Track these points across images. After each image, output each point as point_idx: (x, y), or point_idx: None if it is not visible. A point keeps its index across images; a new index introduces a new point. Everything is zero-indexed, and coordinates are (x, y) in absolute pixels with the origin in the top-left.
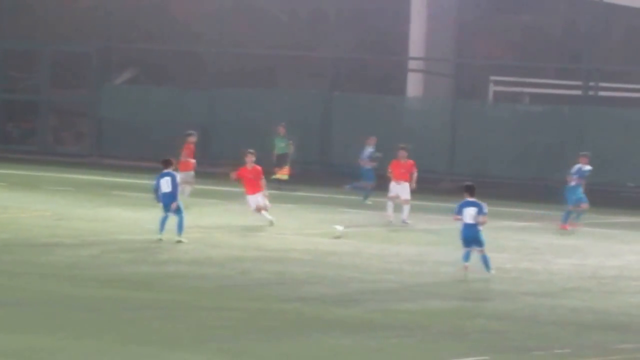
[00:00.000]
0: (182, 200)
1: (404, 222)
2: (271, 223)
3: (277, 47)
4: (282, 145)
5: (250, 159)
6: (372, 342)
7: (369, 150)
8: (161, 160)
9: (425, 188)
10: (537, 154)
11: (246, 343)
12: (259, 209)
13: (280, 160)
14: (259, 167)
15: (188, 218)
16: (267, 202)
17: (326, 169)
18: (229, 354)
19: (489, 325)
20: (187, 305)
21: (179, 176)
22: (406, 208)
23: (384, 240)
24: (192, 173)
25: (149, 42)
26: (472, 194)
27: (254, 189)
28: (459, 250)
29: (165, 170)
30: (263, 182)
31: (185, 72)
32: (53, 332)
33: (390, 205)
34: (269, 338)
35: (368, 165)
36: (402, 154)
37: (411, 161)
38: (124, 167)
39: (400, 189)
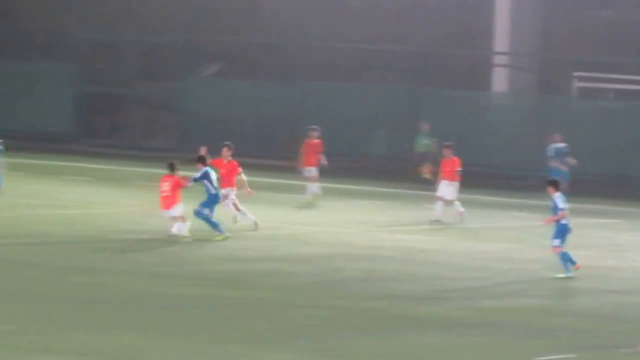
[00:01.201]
0: (308, 198)
1: (459, 215)
2: (233, 221)
3: (364, 40)
4: (424, 142)
5: (226, 152)
6: (460, 340)
7: (556, 147)
8: (197, 157)
9: (510, 185)
10: (621, 150)
11: (335, 341)
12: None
13: (423, 158)
14: (234, 163)
15: (292, 214)
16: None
17: (414, 165)
18: (318, 353)
19: (575, 323)
20: (276, 303)
21: (305, 172)
22: (455, 204)
23: (472, 237)
24: (313, 169)
25: (235, 34)
26: (557, 189)
27: (226, 184)
28: (545, 247)
29: (206, 167)
30: (240, 179)
31: (272, 65)
32: (142, 331)
33: (439, 204)
34: (358, 336)
35: (559, 165)
36: (447, 152)
37: (456, 158)
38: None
39: (447, 189)
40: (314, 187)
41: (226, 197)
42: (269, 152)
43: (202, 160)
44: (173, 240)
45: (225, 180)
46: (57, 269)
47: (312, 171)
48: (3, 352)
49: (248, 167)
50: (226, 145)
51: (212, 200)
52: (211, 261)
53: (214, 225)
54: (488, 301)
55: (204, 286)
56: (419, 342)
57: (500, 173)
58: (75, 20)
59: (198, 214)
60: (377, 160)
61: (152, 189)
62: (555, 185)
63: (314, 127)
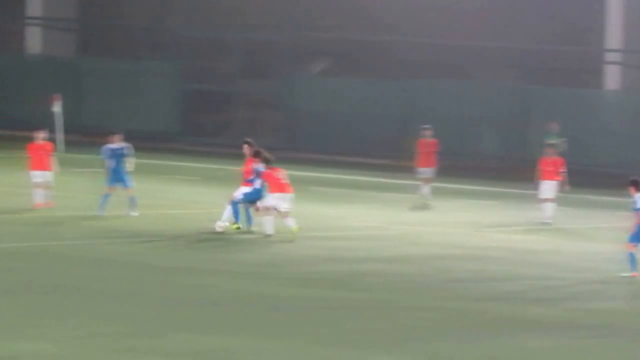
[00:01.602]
0: (418, 198)
1: (544, 222)
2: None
3: (474, 37)
4: (554, 142)
5: (247, 150)
6: (571, 342)
7: None
8: (254, 151)
9: (621, 184)
10: None
11: (444, 343)
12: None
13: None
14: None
15: (400, 213)
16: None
17: (525, 164)
18: (427, 355)
19: None
20: (383, 304)
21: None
22: (550, 207)
23: (582, 237)
24: (428, 170)
25: (341, 32)
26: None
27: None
28: None
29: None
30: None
31: (379, 62)
32: (247, 333)
33: (547, 205)
34: (468, 339)
35: None
36: (551, 151)
37: (559, 158)
38: (320, 161)
39: (546, 188)
40: (427, 188)
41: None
42: (376, 151)
43: (258, 154)
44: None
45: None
46: (162, 269)
47: (426, 172)
48: (111, 353)
49: (354, 166)
50: (246, 143)
51: (255, 194)
52: (316, 261)
53: (236, 214)
54: (599, 302)
55: (308, 287)
56: (530, 344)
57: (612, 172)
58: (181, 18)
59: (234, 203)
60: (486, 160)
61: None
62: (637, 185)
63: (427, 126)
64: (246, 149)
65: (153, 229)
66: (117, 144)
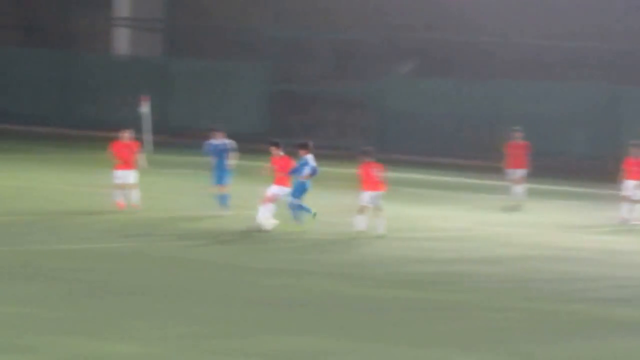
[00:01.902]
0: (510, 199)
1: (632, 222)
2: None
3: (562, 37)
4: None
5: (275, 151)
6: None
7: None
8: (300, 144)
9: None
10: None
11: (532, 345)
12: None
13: None
14: (286, 158)
15: (488, 214)
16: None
17: (616, 165)
18: (516, 357)
19: None
20: (472, 305)
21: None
22: (638, 207)
23: None
24: (519, 171)
25: (430, 32)
26: None
27: (279, 181)
28: None
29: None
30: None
31: (469, 63)
32: (338, 334)
33: (627, 205)
34: (556, 340)
35: None
36: (637, 151)
37: None
38: (409, 162)
39: (631, 188)
40: (519, 189)
41: (279, 196)
42: (465, 152)
43: (304, 147)
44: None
45: (279, 177)
46: (250, 270)
47: (516, 173)
48: (197, 354)
49: (443, 167)
50: (274, 144)
51: (302, 188)
52: (404, 262)
53: (301, 208)
54: None
55: (397, 288)
56: (620, 346)
57: None
58: (269, 19)
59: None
60: (576, 160)
61: (346, 188)
62: None
63: (517, 128)
64: (274, 150)
65: (241, 229)
66: (219, 140)
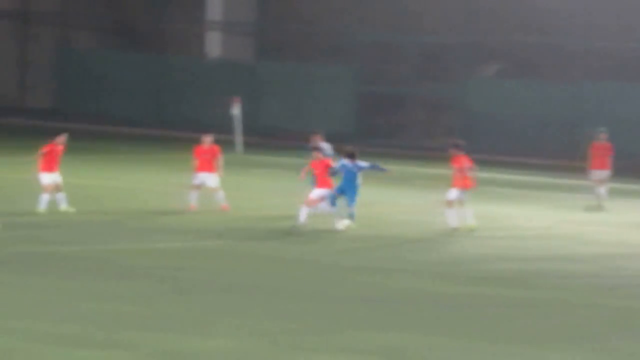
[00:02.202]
0: (593, 199)
1: None
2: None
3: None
4: None
5: (316, 155)
6: None
7: None
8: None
9: None
10: None
11: (621, 342)
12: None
13: None
14: (326, 161)
15: (572, 213)
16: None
17: None
18: (605, 353)
19: None
20: (556, 302)
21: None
22: None
23: None
24: (603, 172)
25: (515, 34)
26: None
27: (321, 183)
28: None
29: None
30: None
31: (551, 65)
32: (420, 330)
33: None
34: None
35: None
36: None
37: None
38: (493, 162)
39: None
40: (602, 189)
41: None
42: (549, 152)
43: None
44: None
45: (320, 180)
46: (338, 268)
47: (600, 174)
48: (287, 350)
49: (527, 167)
50: (316, 149)
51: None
52: (490, 260)
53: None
54: None
55: (480, 285)
56: None
57: None
58: (357, 21)
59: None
60: None
61: (434, 188)
62: None
63: (602, 129)
64: (317, 155)
65: (329, 228)
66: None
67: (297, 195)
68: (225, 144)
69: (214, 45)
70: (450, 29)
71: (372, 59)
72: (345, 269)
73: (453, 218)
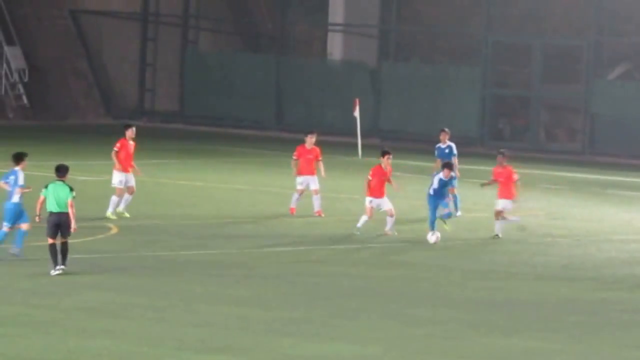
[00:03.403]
0: None
1: None
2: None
3: None
4: None
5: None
6: None
7: None
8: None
9: None
10: None
11: None
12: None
13: None
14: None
15: None
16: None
17: None
18: None
19: None
20: None
21: None
22: None
23: None
24: None
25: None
26: None
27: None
28: None
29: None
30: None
31: None
32: (545, 335)
33: None
34: None
35: None
36: None
37: None
38: (619, 165)
39: None
40: None
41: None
42: None
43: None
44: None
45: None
46: (460, 272)
47: None
48: (411, 354)
49: None
50: (386, 153)
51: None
52: (611, 265)
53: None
54: None
55: (604, 290)
56: None
57: None
58: (483, 23)
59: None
60: None
61: (556, 191)
62: None
63: None
64: (386, 160)
65: (457, 232)
66: (445, 143)
67: (420, 199)
68: (348, 147)
69: (336, 46)
70: (575, 32)
71: (498, 61)
72: (466, 273)
73: (497, 227)
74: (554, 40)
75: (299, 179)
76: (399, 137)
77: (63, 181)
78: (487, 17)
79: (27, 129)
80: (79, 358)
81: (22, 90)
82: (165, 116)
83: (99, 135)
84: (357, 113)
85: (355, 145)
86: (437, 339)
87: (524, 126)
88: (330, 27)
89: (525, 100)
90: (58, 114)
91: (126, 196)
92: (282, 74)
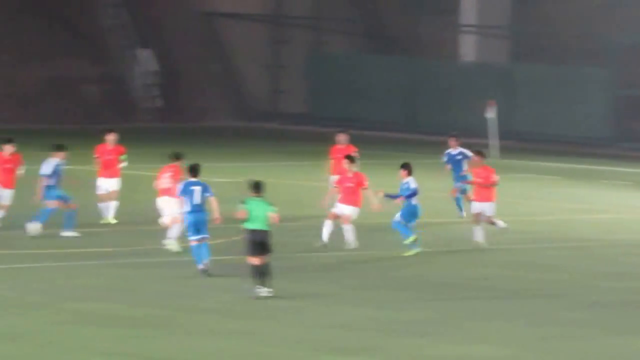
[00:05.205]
0: None
1: None
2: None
3: None
4: None
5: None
6: None
7: None
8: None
9: None
10: None
11: None
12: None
13: None
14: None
15: None
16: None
17: None
18: None
19: None
20: None
21: None
22: None
23: None
24: None
25: None
26: None
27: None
28: None
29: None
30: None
31: None
32: None
33: None
34: None
35: None
36: None
37: None
38: None
39: None
40: None
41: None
42: None
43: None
44: None
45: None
46: (590, 274)
47: None
48: (550, 356)
49: None
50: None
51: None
52: None
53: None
54: None
55: None
56: None
57: None
58: (614, 25)
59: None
60: None
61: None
62: None
63: None
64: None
65: (583, 234)
66: (456, 149)
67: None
68: (482, 148)
69: (468, 48)
70: None
71: (631, 62)
72: (595, 275)
73: (476, 233)
74: None
75: (331, 179)
76: (536, 138)
77: (261, 197)
78: (619, 18)
79: (161, 130)
80: (217, 359)
81: (156, 92)
82: (296, 118)
83: (234, 138)
84: (490, 114)
85: (487, 146)
86: (571, 340)
87: None
88: (462, 29)
89: None
90: (191, 116)
91: (112, 202)
92: (413, 75)
